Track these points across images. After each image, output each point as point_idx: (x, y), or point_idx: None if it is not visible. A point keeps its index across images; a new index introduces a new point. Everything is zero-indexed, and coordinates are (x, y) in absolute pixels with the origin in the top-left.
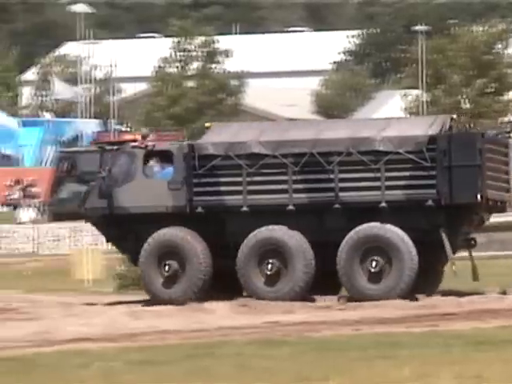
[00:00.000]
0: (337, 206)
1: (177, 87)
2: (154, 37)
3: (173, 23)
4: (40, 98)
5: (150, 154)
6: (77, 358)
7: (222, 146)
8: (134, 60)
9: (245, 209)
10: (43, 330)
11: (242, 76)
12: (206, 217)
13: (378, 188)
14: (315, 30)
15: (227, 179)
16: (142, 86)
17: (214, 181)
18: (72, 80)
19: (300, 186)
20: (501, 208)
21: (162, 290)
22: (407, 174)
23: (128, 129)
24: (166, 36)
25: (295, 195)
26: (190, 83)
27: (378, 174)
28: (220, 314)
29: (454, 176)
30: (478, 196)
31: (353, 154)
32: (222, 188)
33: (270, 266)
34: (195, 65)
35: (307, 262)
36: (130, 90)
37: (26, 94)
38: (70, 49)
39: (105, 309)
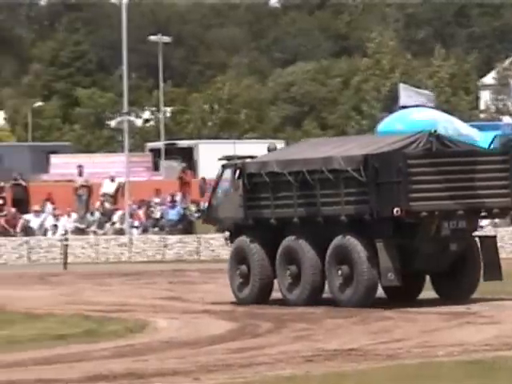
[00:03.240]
0: (319, 218)
1: None
2: None
3: None
4: (499, 102)
5: (235, 171)
6: None
7: (256, 166)
8: None
9: (273, 221)
10: (503, 334)
11: None
12: (256, 227)
13: (339, 203)
14: None
15: (262, 195)
16: None
17: (256, 196)
18: None
19: (300, 201)
20: (492, 214)
21: (237, 292)
22: (354, 190)
23: None
24: None
25: (298, 209)
26: None
27: (339, 191)
28: None
29: (380, 192)
30: (395, 210)
31: (324, 172)
32: (261, 203)
33: (288, 272)
34: None
35: (315, 270)
36: None
37: (485, 98)
38: None
39: None
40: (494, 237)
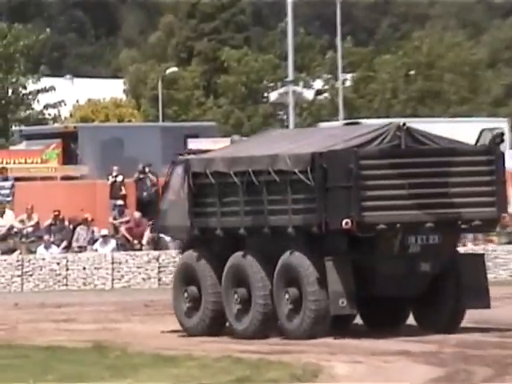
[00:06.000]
0: (266, 229)
1: None
2: None
3: None
4: None
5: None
6: None
7: (203, 163)
8: None
9: (218, 232)
10: None
11: None
12: (204, 239)
13: (286, 211)
14: None
15: (208, 199)
16: None
17: (201, 201)
18: None
19: (247, 208)
20: (473, 227)
21: (183, 319)
22: (302, 196)
23: None
24: None
25: (245, 218)
26: None
27: (286, 196)
28: None
29: (328, 199)
30: (345, 222)
31: (271, 173)
32: (207, 209)
33: (236, 295)
34: None
35: (266, 293)
36: None
37: None
38: None
39: None
40: (482, 255)
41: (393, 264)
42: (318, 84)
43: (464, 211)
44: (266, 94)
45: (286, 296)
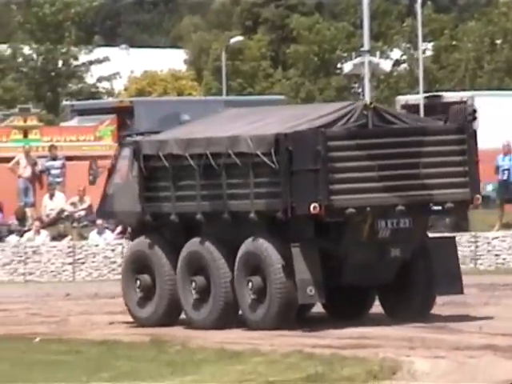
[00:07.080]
0: (226, 215)
1: None
2: None
3: None
4: None
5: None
6: None
7: (155, 145)
8: None
9: (173, 217)
10: None
11: None
12: (158, 225)
13: (248, 196)
14: None
15: (161, 183)
16: None
17: (154, 185)
18: None
19: (204, 192)
20: (445, 210)
21: (135, 310)
22: (265, 180)
23: None
24: None
25: (202, 202)
26: None
27: (248, 180)
28: None
29: (294, 183)
30: (312, 206)
31: (231, 155)
32: (161, 193)
33: (193, 284)
34: None
35: (227, 281)
36: None
37: None
38: None
39: None
40: (453, 238)
41: (362, 250)
42: (396, 54)
43: (436, 193)
44: (339, 65)
45: (249, 285)
